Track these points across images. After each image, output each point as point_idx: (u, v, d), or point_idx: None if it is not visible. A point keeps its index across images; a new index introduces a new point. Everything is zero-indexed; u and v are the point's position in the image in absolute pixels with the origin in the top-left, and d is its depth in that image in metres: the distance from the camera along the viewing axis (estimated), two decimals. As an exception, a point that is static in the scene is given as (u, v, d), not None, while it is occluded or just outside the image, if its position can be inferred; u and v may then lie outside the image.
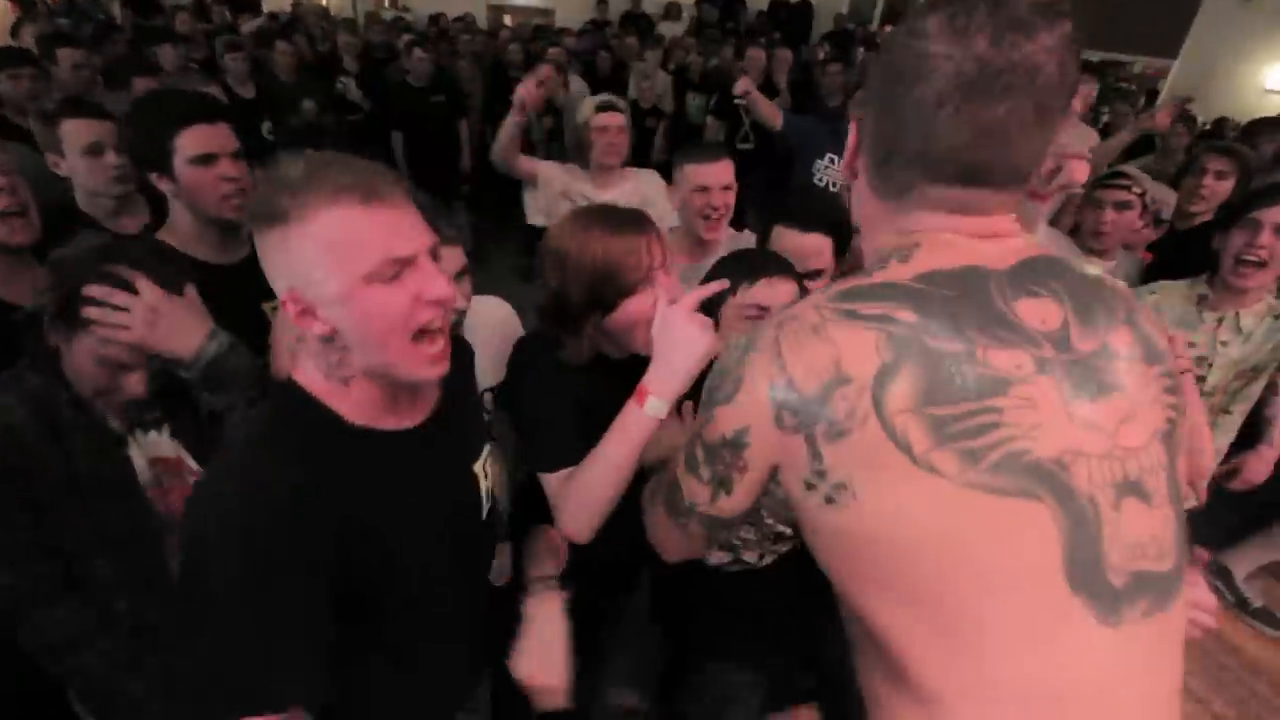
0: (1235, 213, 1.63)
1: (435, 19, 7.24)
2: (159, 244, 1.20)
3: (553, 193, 2.23)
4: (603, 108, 2.15)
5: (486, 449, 0.94)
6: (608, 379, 1.02)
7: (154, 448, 1.05)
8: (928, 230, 0.64)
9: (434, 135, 4.13)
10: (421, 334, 0.73)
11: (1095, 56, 7.00)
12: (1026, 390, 0.56)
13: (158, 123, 1.24)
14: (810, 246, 1.36)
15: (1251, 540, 2.00)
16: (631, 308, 0.97)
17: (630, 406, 0.90)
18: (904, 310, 0.58)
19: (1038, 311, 0.59)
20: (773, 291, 1.12)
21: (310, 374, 0.76)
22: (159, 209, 1.48)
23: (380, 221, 0.68)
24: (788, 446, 0.61)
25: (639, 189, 2.19)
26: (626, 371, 0.97)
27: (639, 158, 4.39)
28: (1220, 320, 1.67)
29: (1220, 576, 2.07)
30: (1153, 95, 6.18)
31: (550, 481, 0.99)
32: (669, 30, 8.42)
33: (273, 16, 5.75)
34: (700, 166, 1.65)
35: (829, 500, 0.59)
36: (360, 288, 0.68)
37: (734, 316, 1.12)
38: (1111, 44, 6.98)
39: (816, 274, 1.37)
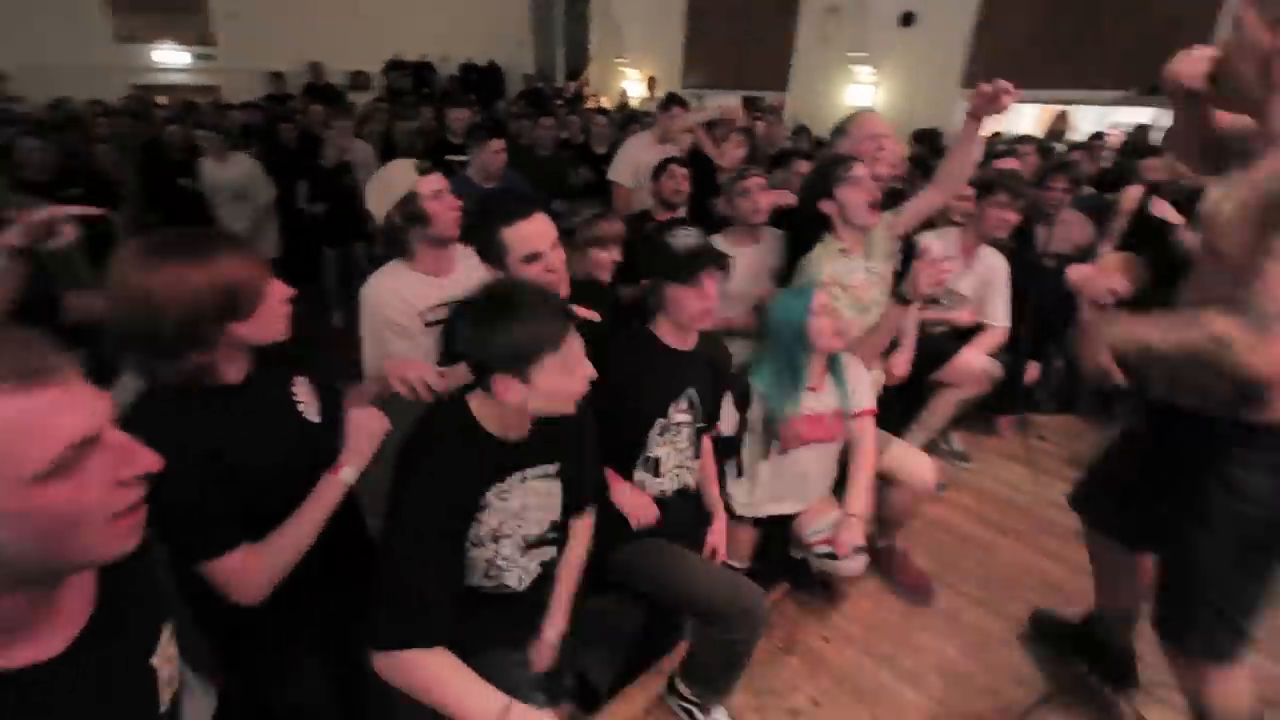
0: (830, 181, 2.00)
1: (59, 103, 6.16)
2: None
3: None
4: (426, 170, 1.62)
5: (167, 629, 0.79)
6: (227, 409, 1.02)
7: None
8: None
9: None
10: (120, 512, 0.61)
11: (735, 94, 8.67)
12: None
13: None
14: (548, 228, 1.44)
15: (915, 424, 2.63)
16: (268, 310, 1.02)
17: (328, 479, 1.10)
18: None
19: None
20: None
21: None
22: None
23: (48, 403, 0.54)
24: None
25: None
26: (239, 394, 1.03)
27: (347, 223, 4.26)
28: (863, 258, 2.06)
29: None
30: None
31: (220, 566, 0.99)
32: (359, 99, 8.23)
33: None
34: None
35: None
36: (34, 492, 0.54)
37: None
38: (743, 84, 8.67)
39: (540, 256, 1.41)
